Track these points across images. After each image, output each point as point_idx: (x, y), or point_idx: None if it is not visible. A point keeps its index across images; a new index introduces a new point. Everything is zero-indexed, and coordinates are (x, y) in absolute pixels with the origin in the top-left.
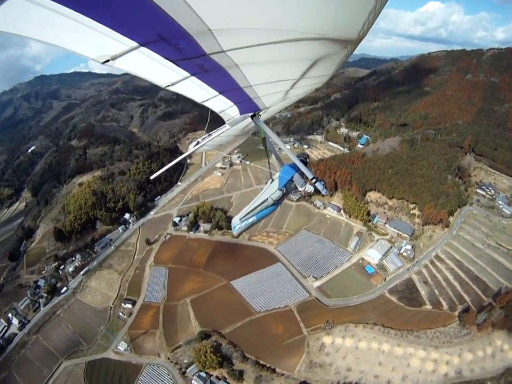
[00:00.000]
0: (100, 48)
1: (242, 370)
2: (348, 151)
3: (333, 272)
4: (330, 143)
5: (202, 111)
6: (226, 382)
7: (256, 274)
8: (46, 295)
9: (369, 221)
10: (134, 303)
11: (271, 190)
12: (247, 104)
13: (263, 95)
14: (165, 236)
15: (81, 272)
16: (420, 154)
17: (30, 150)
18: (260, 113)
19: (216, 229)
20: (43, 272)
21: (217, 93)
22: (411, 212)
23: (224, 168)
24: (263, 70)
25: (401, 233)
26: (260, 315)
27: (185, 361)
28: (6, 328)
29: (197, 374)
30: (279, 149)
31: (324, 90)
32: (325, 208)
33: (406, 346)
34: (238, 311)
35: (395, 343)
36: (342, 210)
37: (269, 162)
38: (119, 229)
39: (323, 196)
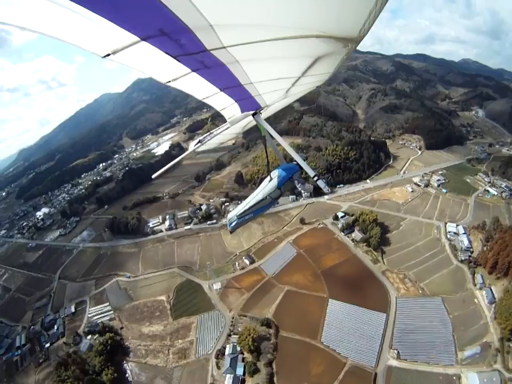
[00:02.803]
0: (101, 42)
1: (259, 370)
2: None
3: (418, 365)
4: None
5: (428, 114)
6: (244, 367)
7: (355, 309)
8: (200, 217)
9: (510, 340)
10: (252, 262)
11: (269, 189)
12: (248, 102)
13: (264, 93)
14: (319, 223)
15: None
16: None
17: None
18: (261, 111)
19: (364, 244)
20: (211, 200)
21: (218, 90)
22: None
23: (419, 185)
24: (264, 67)
25: None
26: (319, 345)
27: (239, 329)
28: (158, 223)
29: (235, 343)
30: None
31: None
32: (481, 288)
33: None
34: (308, 328)
35: None
36: (494, 304)
37: (267, 162)
38: (290, 197)
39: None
